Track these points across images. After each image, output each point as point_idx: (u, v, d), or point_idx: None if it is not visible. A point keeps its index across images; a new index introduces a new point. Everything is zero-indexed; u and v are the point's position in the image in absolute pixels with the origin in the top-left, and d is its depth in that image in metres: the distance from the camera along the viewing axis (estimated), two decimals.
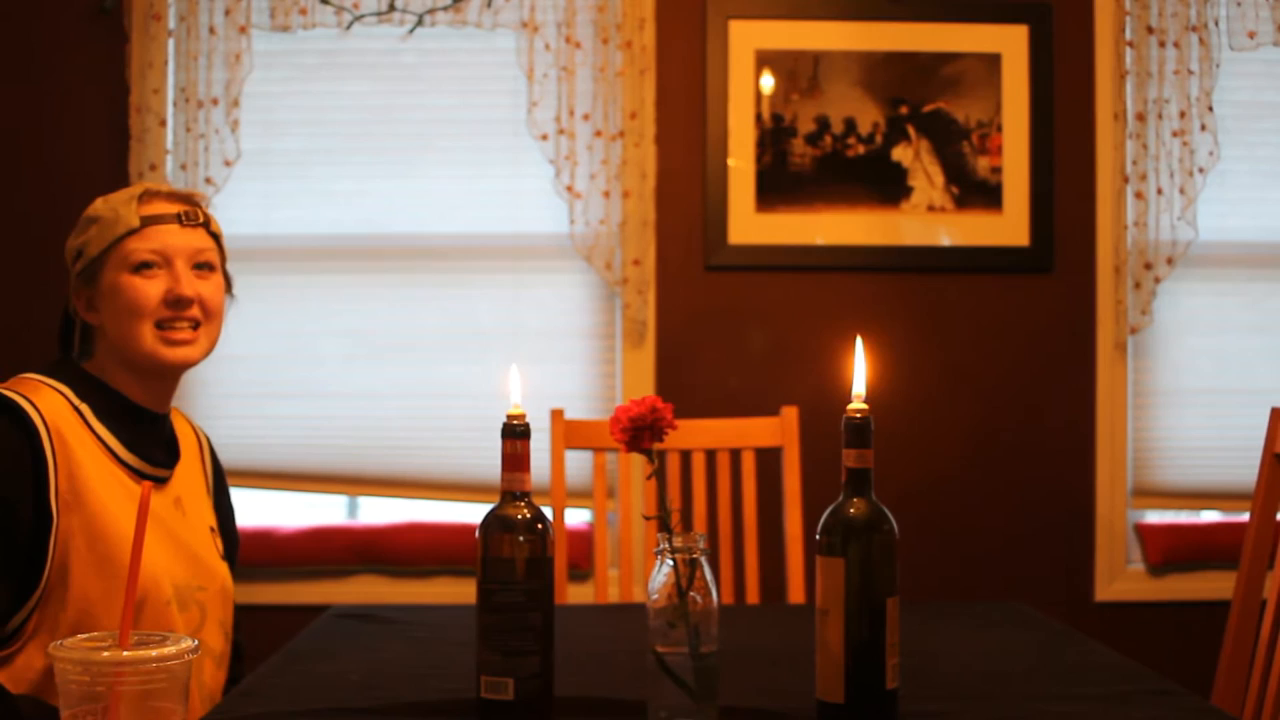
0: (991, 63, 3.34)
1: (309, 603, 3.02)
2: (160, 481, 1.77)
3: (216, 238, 1.84)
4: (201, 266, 1.79)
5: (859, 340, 1.42)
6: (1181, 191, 3.28)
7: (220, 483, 1.99)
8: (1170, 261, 3.30)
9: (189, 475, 1.86)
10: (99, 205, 1.78)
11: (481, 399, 3.25)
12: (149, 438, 1.78)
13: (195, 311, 1.76)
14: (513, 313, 3.35)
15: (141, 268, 1.74)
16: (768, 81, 3.32)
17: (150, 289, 1.73)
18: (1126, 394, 3.37)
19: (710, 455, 2.61)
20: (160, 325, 1.74)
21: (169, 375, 1.80)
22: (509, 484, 1.41)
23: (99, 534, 1.64)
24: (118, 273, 1.74)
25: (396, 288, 3.35)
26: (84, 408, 1.70)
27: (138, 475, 1.72)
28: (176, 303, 1.74)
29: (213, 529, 1.88)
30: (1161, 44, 3.29)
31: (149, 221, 1.75)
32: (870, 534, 1.37)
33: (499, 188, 3.34)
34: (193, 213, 1.79)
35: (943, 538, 3.30)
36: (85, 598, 1.62)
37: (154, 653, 1.14)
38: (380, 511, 3.48)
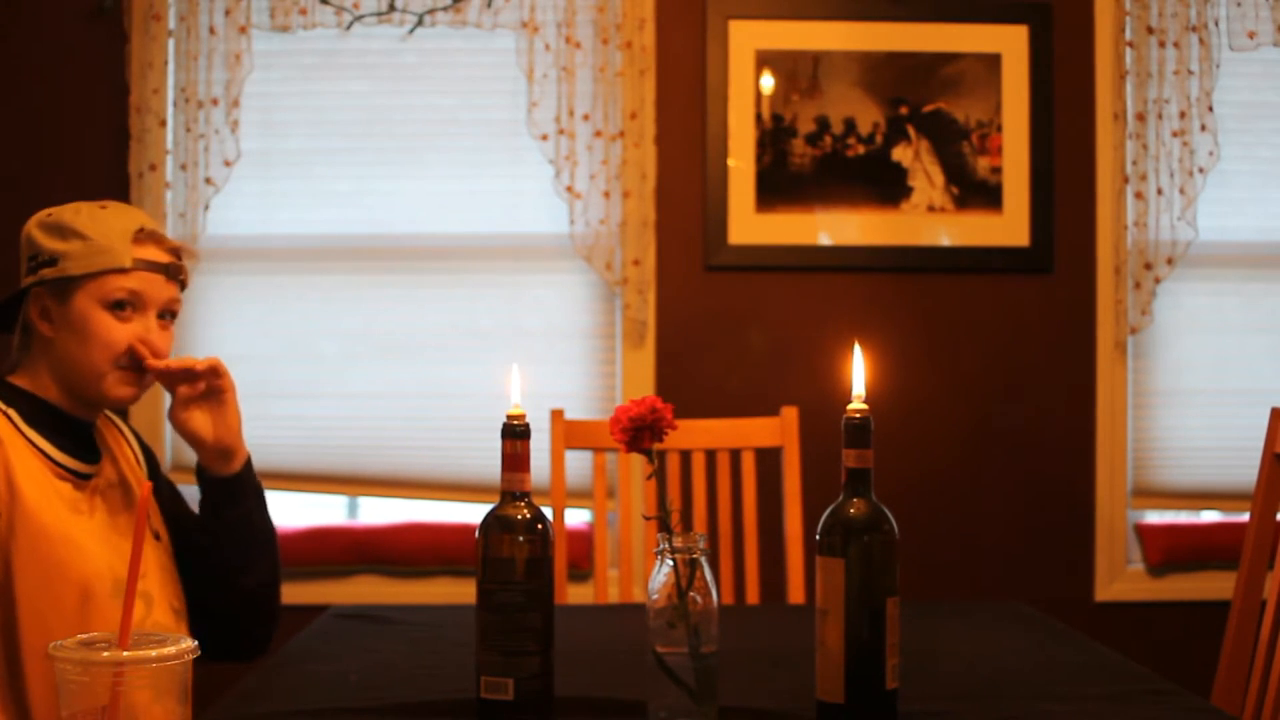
0: (991, 63, 3.34)
1: (309, 603, 3.01)
2: (87, 479, 1.75)
3: (184, 288, 1.84)
4: (164, 315, 1.78)
5: (857, 346, 1.42)
6: (1181, 191, 3.28)
7: (151, 460, 1.96)
8: (1170, 261, 3.30)
9: (115, 470, 1.84)
10: (86, 221, 1.74)
11: (481, 399, 3.25)
12: (74, 441, 1.76)
13: (151, 363, 1.76)
14: (513, 313, 3.35)
15: (116, 306, 1.72)
16: (768, 81, 3.32)
17: (120, 332, 1.72)
18: (1126, 394, 3.37)
19: (710, 455, 2.61)
20: (118, 368, 1.73)
21: (106, 406, 1.80)
22: (509, 484, 1.41)
23: (37, 532, 1.63)
24: (91, 304, 1.72)
25: (396, 288, 3.35)
26: (11, 411, 1.69)
27: (70, 474, 1.72)
28: (140, 353, 1.73)
29: (157, 535, 1.86)
30: (1161, 44, 3.29)
31: (141, 266, 1.73)
32: (870, 534, 1.37)
33: (499, 188, 3.34)
34: (179, 268, 1.79)
35: (943, 538, 3.30)
36: (29, 596, 1.62)
37: (154, 653, 1.13)
38: (380, 511, 3.48)
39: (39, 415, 1.73)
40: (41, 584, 1.63)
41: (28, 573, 1.63)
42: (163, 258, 1.77)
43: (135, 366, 1.75)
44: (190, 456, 3.35)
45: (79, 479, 1.73)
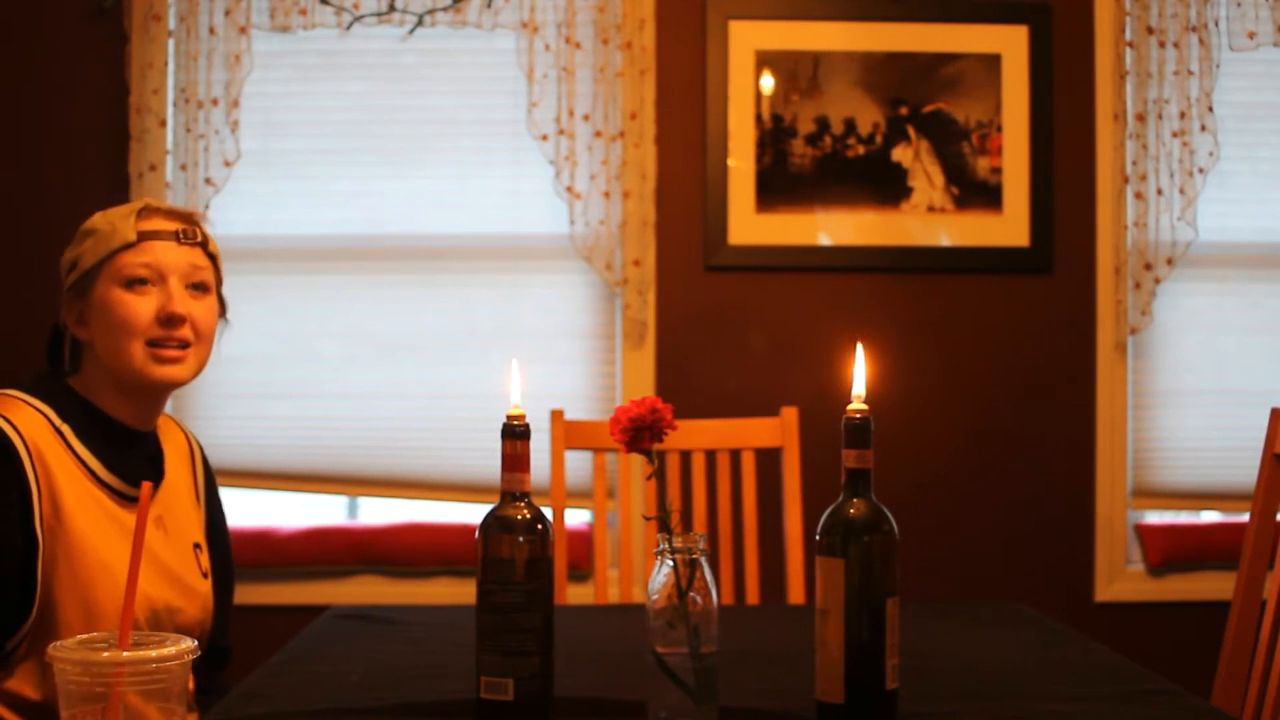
0: (991, 63, 3.34)
1: (309, 603, 3.02)
2: (137, 501, 1.72)
3: (214, 258, 1.79)
4: (196, 286, 1.75)
5: (859, 347, 1.42)
6: (1181, 192, 3.28)
7: (211, 488, 1.94)
8: (1170, 262, 3.30)
9: (175, 491, 1.82)
10: (97, 219, 1.74)
11: (481, 399, 3.25)
12: (133, 457, 1.74)
13: (186, 331, 1.72)
14: (513, 313, 3.35)
15: (134, 283, 1.70)
16: (768, 82, 3.32)
17: (142, 306, 1.69)
18: (1126, 394, 3.37)
19: (710, 455, 2.61)
20: (150, 344, 1.70)
21: (156, 393, 1.76)
22: (509, 484, 1.41)
23: (79, 559, 1.61)
24: (109, 287, 1.70)
25: (396, 288, 3.35)
26: (65, 428, 1.66)
27: (119, 497, 1.69)
28: (169, 320, 1.69)
29: (197, 545, 1.84)
30: (1161, 44, 3.29)
31: (146, 237, 1.71)
32: (870, 534, 1.37)
33: (499, 188, 3.34)
34: (191, 231, 1.75)
35: (943, 538, 3.30)
36: (69, 624, 1.60)
37: (154, 653, 1.14)
38: (380, 511, 3.48)
39: (96, 428, 1.70)
40: (78, 610, 1.61)
41: (67, 598, 1.61)
42: (171, 225, 1.74)
43: (168, 343, 1.71)
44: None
45: (132, 502, 1.70)
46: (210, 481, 1.95)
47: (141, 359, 1.70)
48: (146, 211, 1.74)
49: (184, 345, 1.73)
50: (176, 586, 1.75)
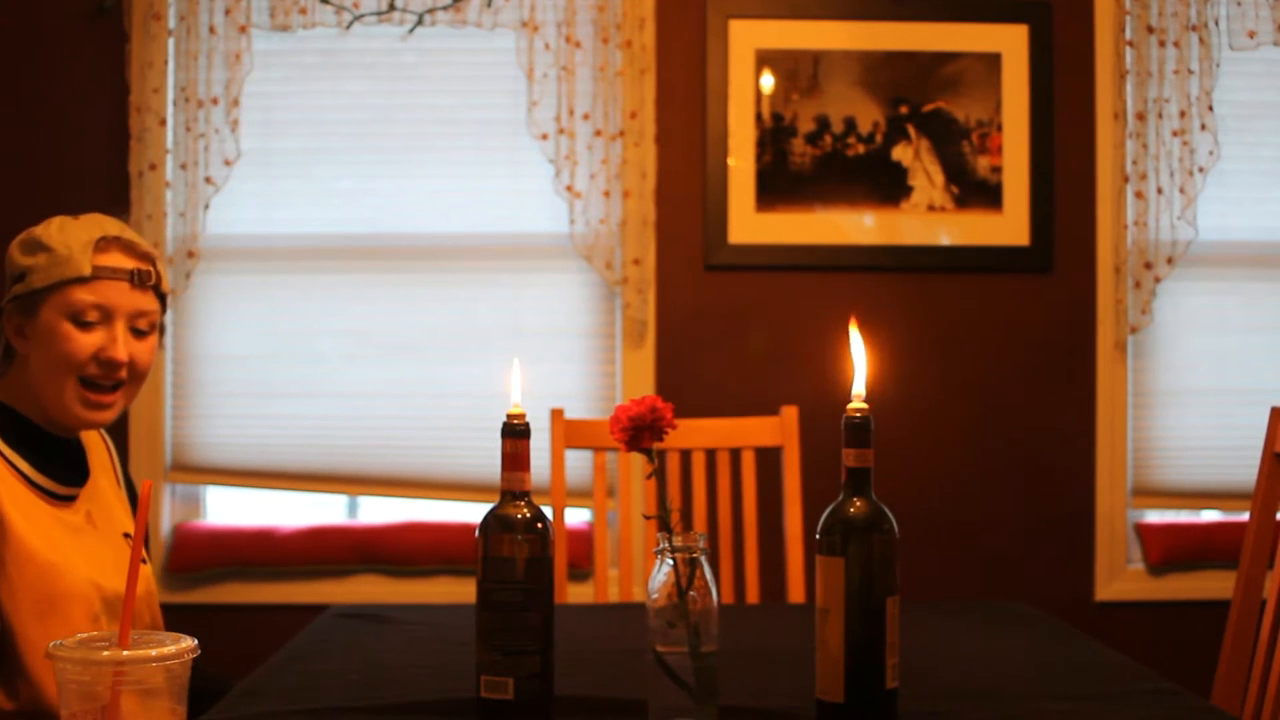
0: (991, 62, 3.34)
1: (309, 603, 3.02)
2: (69, 500, 1.73)
3: (163, 297, 1.78)
4: (140, 328, 1.74)
5: (854, 327, 1.42)
6: (1181, 191, 3.28)
7: (127, 479, 1.95)
8: (1170, 261, 3.30)
9: (99, 488, 1.82)
10: (54, 234, 1.70)
11: (481, 399, 3.25)
12: (58, 459, 1.74)
13: (122, 373, 1.71)
14: (513, 312, 3.35)
15: (81, 316, 1.68)
16: (768, 81, 3.32)
17: (85, 343, 1.68)
18: (1126, 394, 3.37)
19: (710, 455, 2.61)
20: (85, 381, 1.70)
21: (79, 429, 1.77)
22: (509, 483, 1.41)
23: (25, 561, 1.61)
24: (56, 316, 1.68)
25: (396, 288, 3.35)
26: None
27: (52, 497, 1.70)
28: (108, 364, 1.69)
29: (127, 534, 1.84)
30: (1161, 44, 3.29)
31: (100, 274, 1.69)
32: (870, 534, 1.37)
33: (499, 188, 3.34)
34: (146, 273, 1.72)
35: (942, 537, 3.31)
36: (23, 626, 1.60)
37: (154, 652, 1.14)
38: (380, 511, 3.48)
39: (23, 434, 1.71)
40: (34, 613, 1.61)
41: (20, 601, 1.61)
42: (127, 264, 1.71)
43: (102, 381, 1.71)
44: (189, 456, 3.36)
45: (62, 501, 1.71)
46: (126, 473, 1.96)
47: (71, 398, 1.70)
48: (105, 243, 1.71)
49: (117, 386, 1.73)
50: (120, 575, 1.75)
